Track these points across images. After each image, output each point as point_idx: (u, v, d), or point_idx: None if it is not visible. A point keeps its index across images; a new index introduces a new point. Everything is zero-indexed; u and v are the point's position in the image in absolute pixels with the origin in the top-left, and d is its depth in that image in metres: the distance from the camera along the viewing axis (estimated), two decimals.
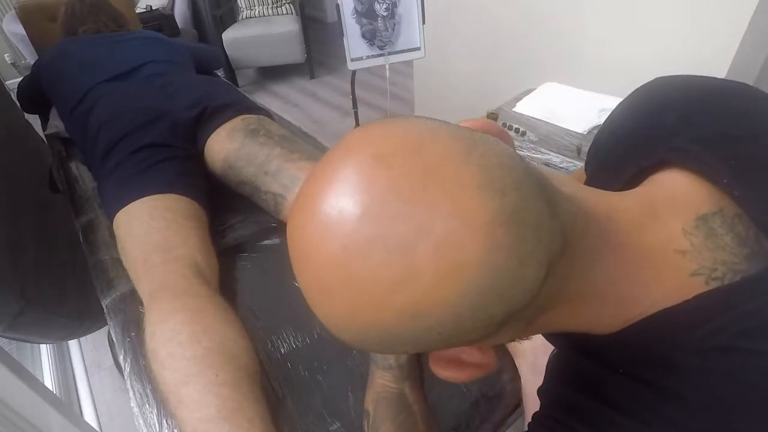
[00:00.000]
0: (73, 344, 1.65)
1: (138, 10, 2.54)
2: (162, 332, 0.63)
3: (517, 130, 1.32)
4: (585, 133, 1.28)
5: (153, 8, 2.76)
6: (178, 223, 0.81)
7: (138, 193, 0.84)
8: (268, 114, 1.08)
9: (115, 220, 0.84)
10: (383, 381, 0.58)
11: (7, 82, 3.01)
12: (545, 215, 0.25)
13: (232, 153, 0.95)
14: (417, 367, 0.60)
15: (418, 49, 1.64)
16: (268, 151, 0.92)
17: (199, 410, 0.56)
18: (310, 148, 1.14)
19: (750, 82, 1.14)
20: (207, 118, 1.00)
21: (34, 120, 1.49)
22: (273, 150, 0.92)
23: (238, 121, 0.99)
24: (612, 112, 0.43)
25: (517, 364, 0.64)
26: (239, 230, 0.95)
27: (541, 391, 0.39)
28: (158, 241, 0.78)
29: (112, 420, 1.43)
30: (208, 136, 0.99)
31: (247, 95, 1.31)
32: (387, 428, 0.53)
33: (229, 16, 3.57)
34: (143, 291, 0.73)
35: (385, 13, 1.57)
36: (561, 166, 1.22)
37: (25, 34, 1.74)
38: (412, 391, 0.58)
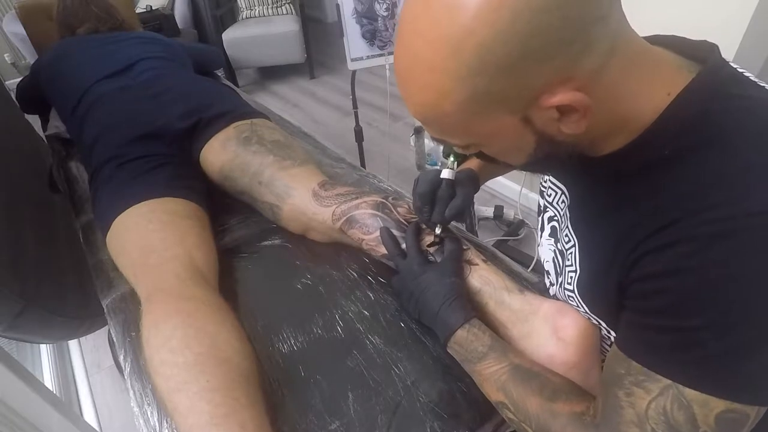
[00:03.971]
0: (73, 344, 1.66)
1: (138, 10, 2.54)
2: (154, 339, 0.63)
3: None
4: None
5: (153, 8, 2.76)
6: (175, 223, 0.81)
7: (133, 199, 0.83)
8: (263, 115, 1.07)
9: (111, 228, 0.83)
10: (491, 369, 0.57)
11: (7, 82, 3.01)
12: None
13: (226, 164, 0.94)
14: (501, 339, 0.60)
15: None
16: (260, 159, 0.91)
17: (191, 417, 0.56)
18: (307, 148, 1.14)
19: (762, 57, 1.13)
20: (201, 129, 0.99)
21: (34, 120, 1.49)
22: (265, 158, 0.91)
23: (230, 130, 0.97)
24: None
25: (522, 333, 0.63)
26: (239, 231, 0.95)
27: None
28: (154, 242, 0.77)
29: (112, 420, 1.43)
30: (202, 147, 0.98)
31: (247, 95, 1.31)
32: (533, 402, 0.52)
33: (229, 16, 3.57)
34: (141, 294, 0.73)
35: (385, 13, 1.57)
36: None
37: (25, 34, 1.74)
38: (517, 356, 0.57)
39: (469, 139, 0.45)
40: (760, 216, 0.35)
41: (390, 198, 0.80)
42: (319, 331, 0.73)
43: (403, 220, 0.76)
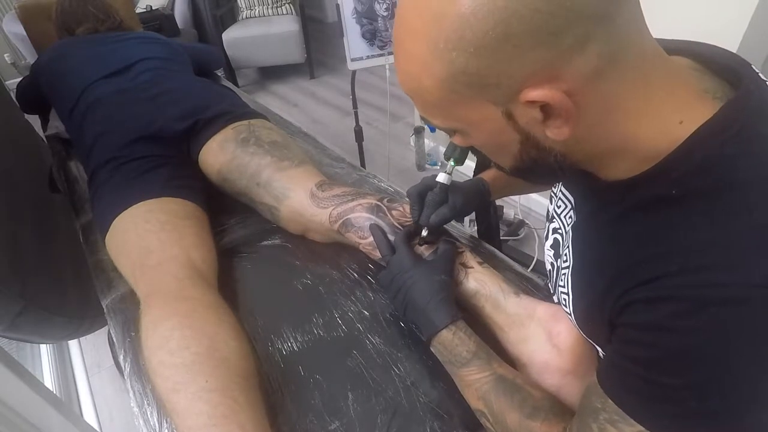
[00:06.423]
0: (73, 344, 1.66)
1: (138, 10, 2.54)
2: (153, 340, 0.63)
3: None
4: None
5: (153, 8, 2.76)
6: (173, 223, 0.81)
7: (131, 200, 0.83)
8: (261, 115, 1.07)
9: (110, 229, 0.83)
10: (473, 377, 0.56)
11: (7, 82, 3.01)
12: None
13: (224, 165, 0.94)
14: (486, 346, 0.60)
15: None
16: (258, 160, 0.91)
17: (190, 418, 0.56)
18: (307, 148, 1.14)
19: (762, 58, 1.13)
20: (199, 130, 0.99)
21: (34, 120, 1.49)
22: (263, 159, 0.91)
23: (228, 131, 0.97)
24: None
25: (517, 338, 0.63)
26: (239, 231, 0.95)
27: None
28: (152, 243, 0.77)
29: (112, 420, 1.43)
30: (200, 149, 0.98)
31: (247, 95, 1.31)
32: (513, 417, 0.52)
33: (229, 16, 3.56)
34: (140, 295, 0.74)
35: (385, 13, 1.57)
36: None
37: (25, 34, 1.74)
38: (501, 366, 0.57)
39: (451, 123, 0.42)
40: (763, 289, 0.33)
41: (385, 200, 0.79)
42: (319, 331, 0.73)
43: (396, 224, 0.76)
